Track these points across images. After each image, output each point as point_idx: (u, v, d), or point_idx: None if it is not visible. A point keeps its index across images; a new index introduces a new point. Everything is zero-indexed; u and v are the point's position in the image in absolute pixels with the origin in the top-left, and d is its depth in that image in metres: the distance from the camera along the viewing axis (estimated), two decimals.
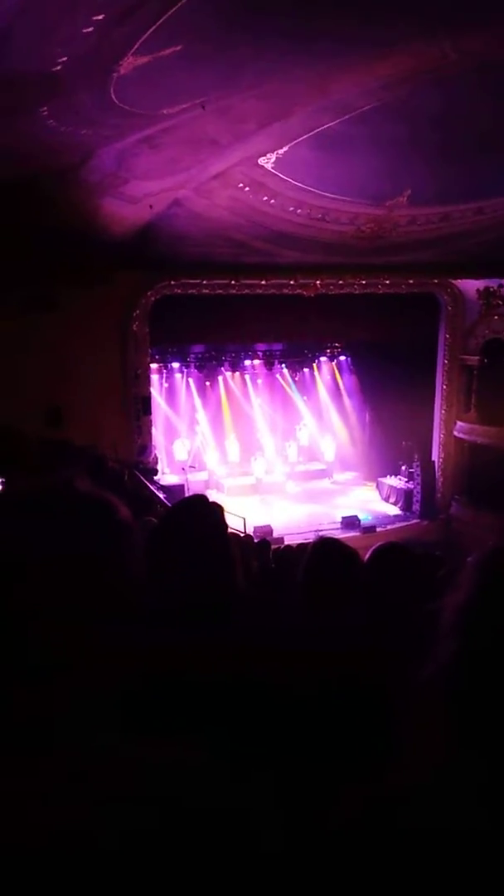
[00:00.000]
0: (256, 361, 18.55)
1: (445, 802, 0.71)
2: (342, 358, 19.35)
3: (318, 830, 0.72)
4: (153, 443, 14.71)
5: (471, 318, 15.74)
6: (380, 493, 17.52)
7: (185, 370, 17.57)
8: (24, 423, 9.43)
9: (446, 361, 16.15)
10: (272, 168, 9.91)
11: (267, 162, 9.73)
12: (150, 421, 14.43)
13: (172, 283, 13.42)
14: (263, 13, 5.90)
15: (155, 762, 0.71)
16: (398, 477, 17.06)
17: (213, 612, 1.50)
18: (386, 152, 9.67)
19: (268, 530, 13.42)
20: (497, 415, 15.17)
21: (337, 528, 14.52)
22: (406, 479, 16.71)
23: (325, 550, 2.46)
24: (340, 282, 14.43)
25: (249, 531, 12.67)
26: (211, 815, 0.67)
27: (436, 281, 15.35)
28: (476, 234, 12.12)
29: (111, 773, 0.70)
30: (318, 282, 14.19)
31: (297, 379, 19.25)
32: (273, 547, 8.08)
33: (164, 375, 17.17)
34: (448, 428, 16.30)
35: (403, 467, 16.85)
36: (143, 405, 13.85)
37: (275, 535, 13.07)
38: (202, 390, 17.91)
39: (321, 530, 13.84)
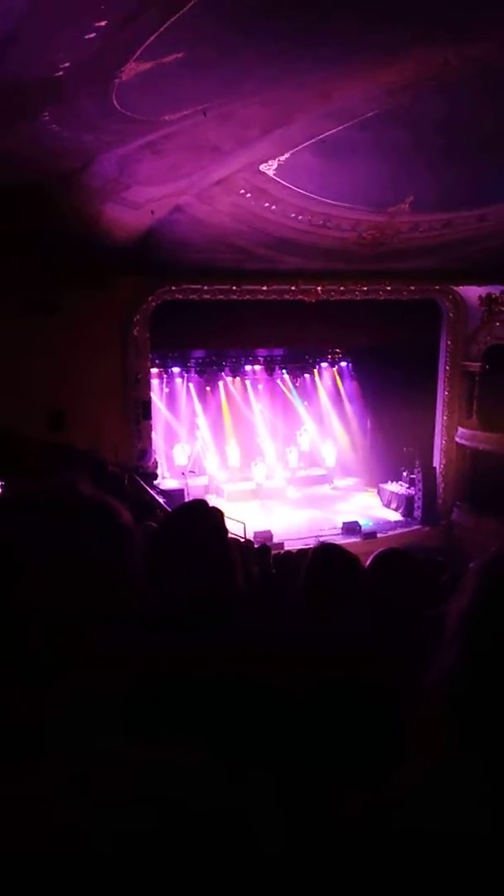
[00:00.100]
0: (257, 367, 18.56)
1: (447, 805, 0.71)
2: (343, 363, 19.37)
3: (319, 832, 0.71)
4: (153, 447, 14.71)
5: (472, 324, 15.76)
6: (381, 499, 17.51)
7: (186, 375, 17.59)
8: (26, 426, 9.45)
9: (448, 368, 16.16)
10: (274, 174, 9.94)
11: (269, 168, 9.77)
12: (151, 425, 14.44)
13: (174, 288, 13.45)
14: (265, 20, 5.93)
15: (155, 764, 0.71)
16: (399, 483, 17.05)
17: (213, 616, 1.50)
18: (388, 159, 9.70)
19: (268, 536, 13.40)
20: (499, 421, 15.17)
21: (338, 534, 14.50)
22: (407, 485, 16.70)
23: (325, 556, 2.46)
24: (342, 288, 14.46)
25: (250, 536, 12.65)
26: (211, 816, 0.66)
27: (437, 287, 15.38)
28: (478, 240, 12.15)
29: (111, 774, 0.70)
30: (319, 288, 14.22)
31: (297, 384, 19.26)
32: (273, 552, 8.08)
33: (165, 380, 17.19)
34: (449, 434, 16.30)
35: (405, 473, 16.84)
36: (144, 410, 13.86)
37: (275, 540, 13.05)
38: (202, 395, 17.93)
39: (322, 536, 13.84)
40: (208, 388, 17.98)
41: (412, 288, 15.00)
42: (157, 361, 15.73)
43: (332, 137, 8.83)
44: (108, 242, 10.82)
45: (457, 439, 16.17)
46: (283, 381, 19.06)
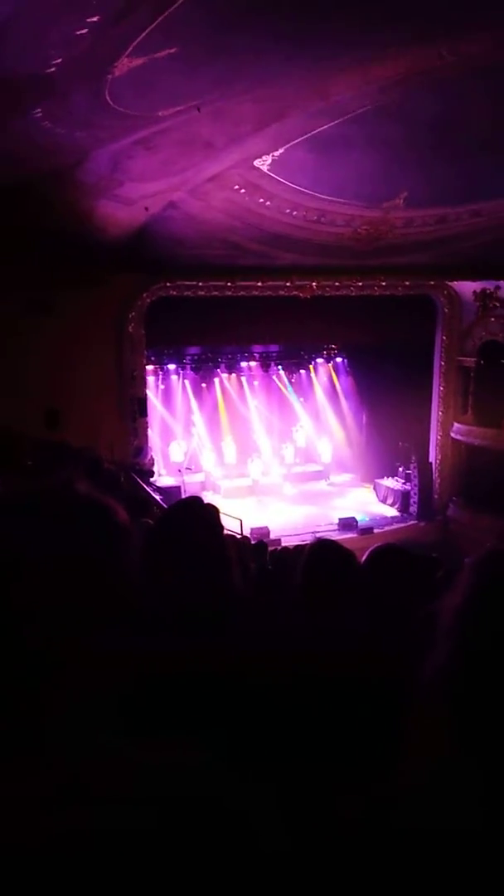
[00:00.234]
0: (253, 363, 18.56)
1: (444, 804, 0.71)
2: (339, 359, 19.38)
3: (319, 832, 0.71)
4: (149, 444, 14.70)
5: (467, 319, 15.78)
6: (377, 495, 17.54)
7: (181, 372, 17.57)
8: (21, 424, 9.42)
9: (443, 363, 16.18)
10: (268, 170, 9.92)
11: (262, 164, 9.74)
12: (147, 423, 14.43)
13: (168, 284, 13.43)
14: (259, 16, 5.91)
15: (155, 764, 0.71)
16: (395, 478, 17.07)
17: (210, 614, 1.50)
18: (382, 154, 9.69)
19: (265, 532, 13.42)
20: (494, 416, 15.20)
21: (334, 530, 14.53)
22: (403, 481, 16.73)
23: (322, 552, 2.46)
24: (337, 283, 14.45)
25: (246, 533, 12.66)
26: (211, 816, 0.66)
27: (432, 283, 15.39)
28: (473, 236, 12.15)
29: (110, 774, 0.70)
30: (314, 283, 14.21)
31: (293, 380, 19.26)
32: (270, 549, 8.09)
33: (161, 377, 17.17)
34: (445, 429, 16.33)
35: (400, 469, 16.87)
36: (139, 407, 13.84)
37: (272, 536, 13.07)
38: (198, 392, 17.92)
39: (318, 532, 13.85)
40: (204, 385, 17.97)
41: (407, 283, 15.00)
42: (152, 358, 15.71)
43: (325, 133, 8.82)
44: (103, 239, 10.79)
45: (452, 435, 16.20)
46: (278, 377, 19.06)
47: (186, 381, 17.70)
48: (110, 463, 10.40)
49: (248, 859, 0.64)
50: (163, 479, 15.93)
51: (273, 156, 9.55)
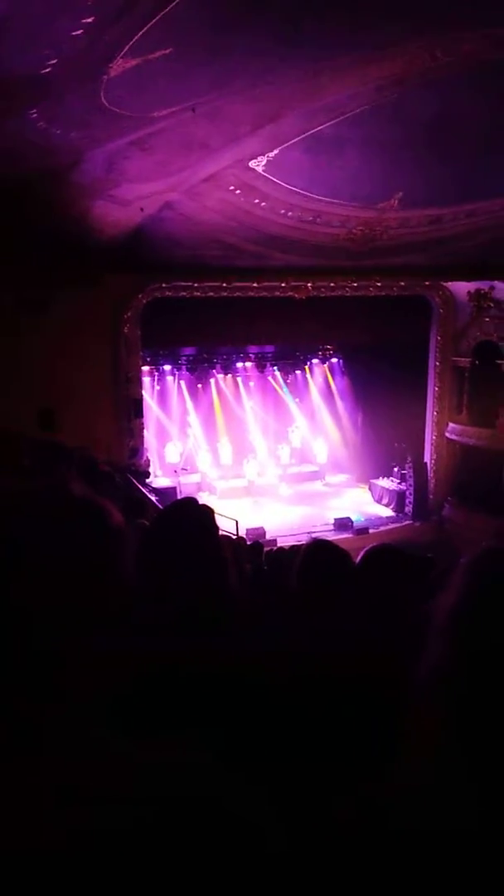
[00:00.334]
0: (248, 364, 18.55)
1: (440, 804, 0.71)
2: (334, 360, 19.38)
3: (315, 832, 0.72)
4: (145, 445, 14.68)
5: (462, 320, 15.81)
6: (372, 495, 17.55)
7: (177, 373, 17.54)
8: (16, 424, 9.40)
9: (438, 363, 16.20)
10: (263, 171, 9.93)
11: (258, 165, 9.75)
12: (142, 424, 14.41)
13: (164, 285, 13.41)
14: (254, 16, 5.91)
15: (153, 763, 0.71)
16: (390, 478, 17.09)
17: (205, 614, 1.50)
18: (377, 155, 9.71)
19: (260, 532, 13.41)
20: (488, 416, 15.24)
21: (329, 530, 14.54)
22: (398, 481, 16.74)
23: (317, 552, 2.47)
24: (332, 284, 14.46)
25: (242, 533, 12.65)
26: (211, 816, 0.67)
27: (427, 283, 15.41)
28: (467, 236, 12.18)
29: (109, 774, 0.70)
30: (309, 284, 14.22)
31: (289, 381, 19.26)
32: (266, 549, 8.09)
33: (156, 378, 17.14)
34: (440, 429, 16.35)
35: (396, 469, 16.88)
36: (135, 408, 13.82)
37: (267, 537, 13.06)
38: (194, 393, 17.89)
39: (314, 532, 13.86)
40: (200, 386, 17.95)
41: (402, 284, 15.01)
42: (148, 359, 15.69)
43: (321, 133, 8.83)
44: (98, 240, 10.78)
45: (447, 435, 16.22)
46: (274, 378, 19.05)
47: (182, 382, 17.68)
48: (106, 464, 10.38)
49: (247, 859, 0.64)
50: (158, 480, 15.91)
51: (268, 156, 9.56)
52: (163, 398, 17.45)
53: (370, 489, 17.74)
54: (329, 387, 19.40)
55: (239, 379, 18.52)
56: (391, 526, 15.76)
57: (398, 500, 16.46)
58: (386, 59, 7.28)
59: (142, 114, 7.58)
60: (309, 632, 1.89)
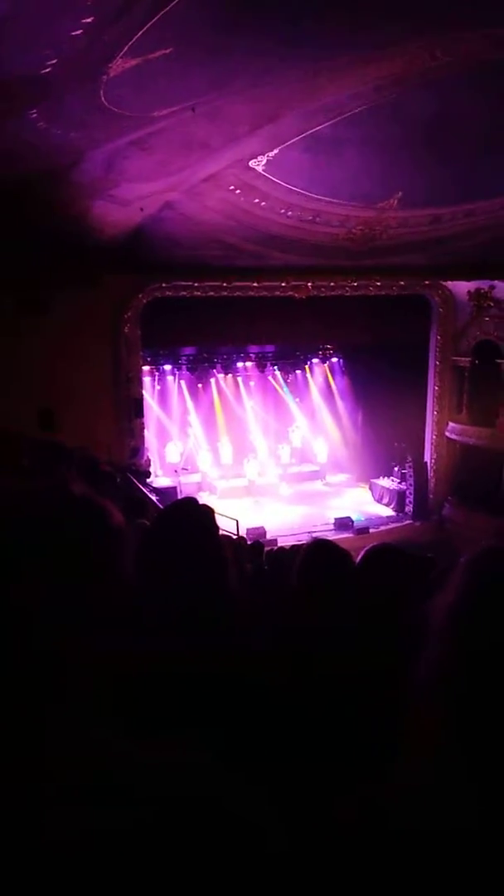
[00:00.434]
0: (249, 363, 18.55)
1: (440, 804, 0.72)
2: (334, 360, 19.38)
3: (316, 832, 0.72)
4: (146, 445, 14.68)
5: (462, 319, 15.80)
6: (372, 495, 17.55)
7: (177, 372, 17.55)
8: (17, 424, 9.40)
9: (438, 363, 16.20)
10: (263, 170, 9.93)
11: (258, 164, 9.75)
12: (143, 423, 14.41)
13: (164, 285, 13.41)
14: (254, 16, 5.91)
15: (154, 763, 0.71)
16: (391, 478, 17.08)
17: (206, 614, 1.50)
18: (377, 154, 9.71)
19: (261, 532, 13.41)
20: (488, 416, 15.23)
21: (330, 530, 14.54)
22: (399, 481, 16.74)
23: (318, 552, 2.47)
24: (332, 284, 14.46)
25: (243, 533, 12.65)
26: (211, 815, 0.67)
27: (427, 283, 15.40)
28: (467, 236, 12.18)
29: (110, 774, 0.70)
30: (309, 284, 14.22)
31: (289, 381, 19.26)
32: (266, 549, 8.09)
33: (156, 378, 17.14)
34: (440, 429, 16.35)
35: (396, 468, 16.88)
36: (135, 408, 13.83)
37: (268, 536, 13.07)
38: (194, 392, 17.90)
39: (314, 532, 13.87)
40: (200, 386, 17.95)
41: (402, 283, 15.01)
42: (148, 359, 15.69)
43: (321, 133, 8.84)
44: (98, 240, 10.78)
45: (447, 434, 16.22)
46: (274, 377, 19.05)
47: (182, 382, 17.68)
48: (107, 464, 10.38)
49: (247, 859, 0.64)
50: (159, 479, 15.90)
51: (268, 156, 9.56)
52: (163, 398, 17.45)
53: (370, 489, 17.74)
54: (329, 386, 19.39)
55: (239, 379, 18.52)
56: (391, 525, 15.76)
57: (398, 499, 16.46)
58: (385, 59, 7.28)
59: (142, 114, 7.58)
60: (309, 632, 1.89)
